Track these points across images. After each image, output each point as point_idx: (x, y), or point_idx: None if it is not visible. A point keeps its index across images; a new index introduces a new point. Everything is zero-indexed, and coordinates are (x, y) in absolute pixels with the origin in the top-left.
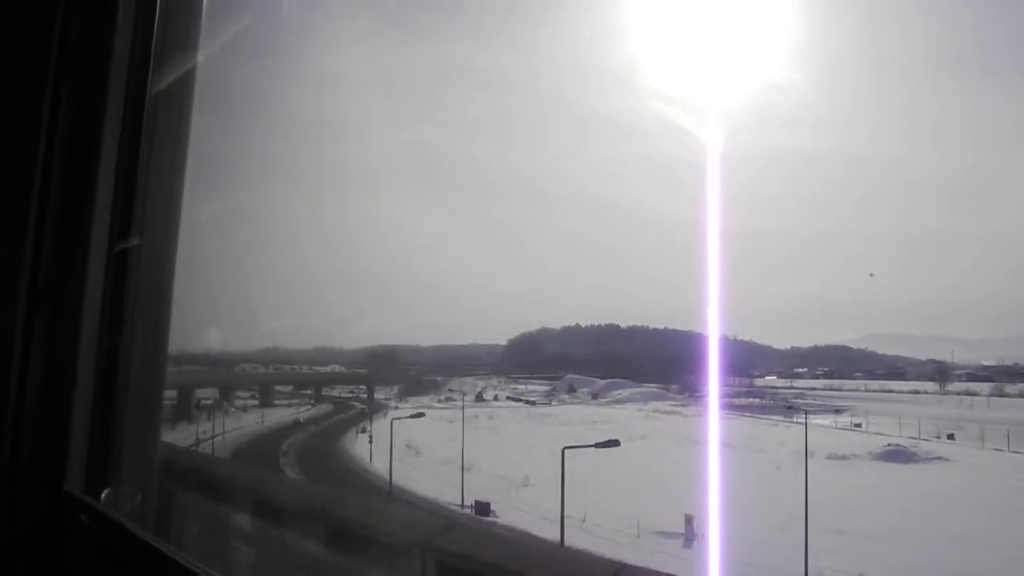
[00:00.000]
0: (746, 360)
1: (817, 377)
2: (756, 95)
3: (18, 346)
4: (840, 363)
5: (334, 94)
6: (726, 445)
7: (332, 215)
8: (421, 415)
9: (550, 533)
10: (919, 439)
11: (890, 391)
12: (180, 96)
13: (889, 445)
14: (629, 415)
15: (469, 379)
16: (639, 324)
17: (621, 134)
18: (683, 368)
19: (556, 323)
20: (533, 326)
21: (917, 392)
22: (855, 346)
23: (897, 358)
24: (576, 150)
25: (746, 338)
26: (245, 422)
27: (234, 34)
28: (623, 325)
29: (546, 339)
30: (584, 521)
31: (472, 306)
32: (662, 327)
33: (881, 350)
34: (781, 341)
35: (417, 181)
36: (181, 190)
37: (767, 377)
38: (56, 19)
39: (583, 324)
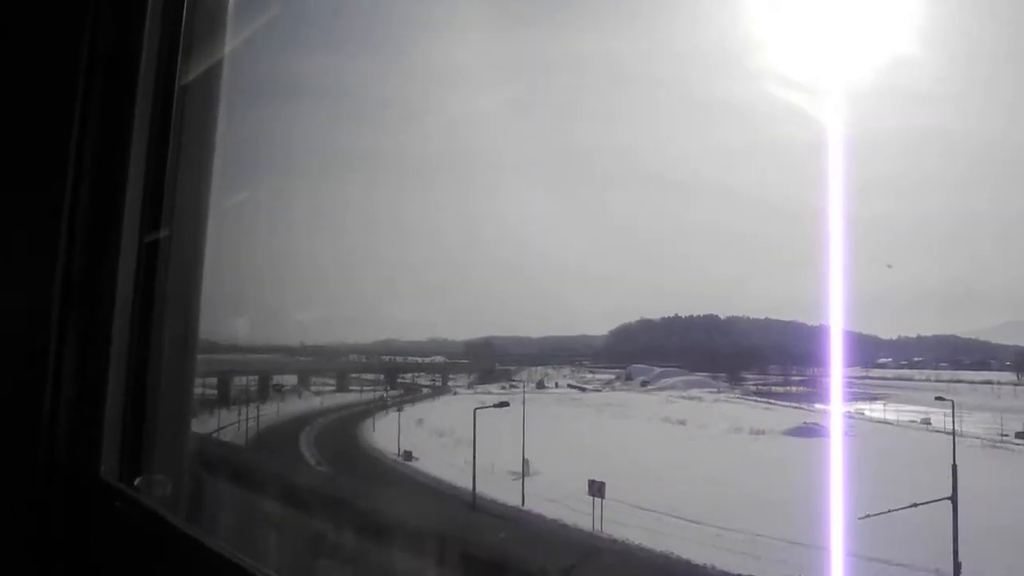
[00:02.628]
0: (842, 350)
1: (914, 367)
2: (882, 73)
3: (54, 339)
4: (948, 353)
5: (438, 83)
6: (679, 422)
7: (445, 209)
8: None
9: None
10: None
11: (960, 380)
12: (208, 87)
13: (805, 423)
14: (652, 400)
15: (545, 368)
16: (739, 315)
17: (738, 118)
18: (758, 358)
19: (657, 313)
20: (632, 317)
21: (991, 383)
22: (981, 337)
23: (1016, 348)
24: (690, 135)
25: (851, 328)
26: (310, 403)
27: (262, 26)
28: (722, 316)
29: (643, 330)
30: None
31: (584, 297)
32: (762, 317)
33: (1008, 341)
34: (892, 331)
35: (529, 172)
36: (210, 181)
37: (854, 367)
38: (87, 15)
39: (683, 315)
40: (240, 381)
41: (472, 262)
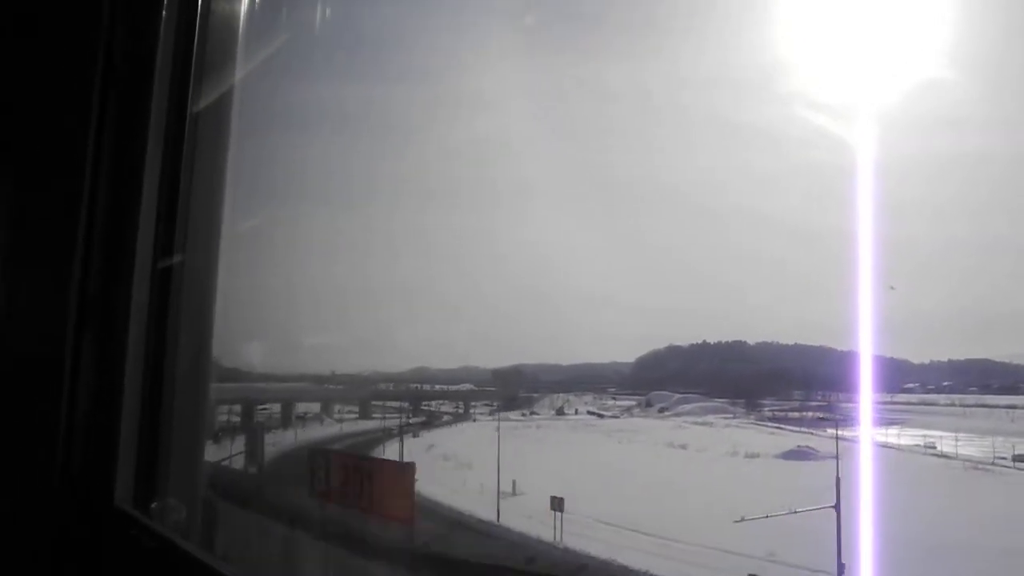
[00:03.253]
0: (870, 374)
1: (941, 392)
2: (910, 96)
3: (68, 363)
4: (979, 377)
5: (467, 110)
6: (680, 447)
7: (474, 236)
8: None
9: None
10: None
11: (985, 405)
12: (220, 112)
13: (799, 447)
14: (664, 425)
15: (566, 395)
16: (768, 340)
17: (768, 142)
18: (783, 384)
19: (686, 340)
20: (661, 343)
21: (1014, 407)
22: (1015, 361)
23: None
24: (720, 160)
25: (882, 352)
26: (328, 430)
27: (283, 51)
28: (751, 342)
29: (671, 357)
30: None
31: (615, 324)
32: (792, 343)
33: None
34: (923, 354)
35: (559, 198)
36: (221, 205)
37: (880, 393)
38: (100, 38)
39: (711, 341)
40: (264, 409)
41: (502, 289)
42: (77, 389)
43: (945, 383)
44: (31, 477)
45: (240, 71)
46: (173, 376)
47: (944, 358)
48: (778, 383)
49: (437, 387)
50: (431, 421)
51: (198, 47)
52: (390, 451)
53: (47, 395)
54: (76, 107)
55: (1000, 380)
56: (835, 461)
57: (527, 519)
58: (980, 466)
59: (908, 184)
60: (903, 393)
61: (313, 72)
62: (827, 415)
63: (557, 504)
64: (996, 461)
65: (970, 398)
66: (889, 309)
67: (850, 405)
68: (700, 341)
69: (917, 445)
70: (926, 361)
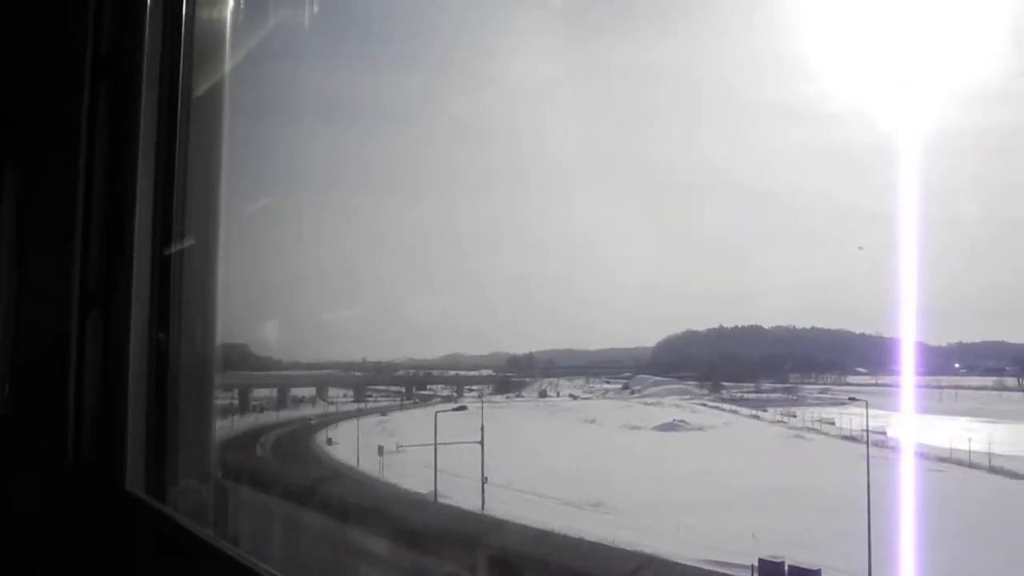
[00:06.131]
0: (875, 357)
1: (942, 374)
2: (949, 70)
3: (74, 350)
4: (993, 359)
5: (499, 94)
6: (591, 422)
7: (503, 221)
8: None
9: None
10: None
11: (961, 387)
12: (213, 96)
13: (674, 420)
14: (615, 405)
15: (556, 380)
16: (784, 324)
17: (804, 121)
18: (778, 368)
19: (704, 324)
20: (679, 328)
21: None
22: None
23: None
24: (750, 140)
25: (897, 335)
26: (314, 410)
27: (262, 38)
28: (767, 326)
29: (686, 342)
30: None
31: (644, 308)
32: (808, 327)
33: None
34: (950, 337)
35: (589, 183)
36: (219, 190)
37: (875, 375)
38: (88, 27)
39: (727, 326)
40: (263, 393)
41: (536, 276)
42: (84, 375)
43: (957, 365)
44: (42, 462)
45: (236, 55)
46: (179, 360)
47: (963, 340)
48: (773, 367)
49: (435, 372)
50: (418, 403)
51: (186, 32)
52: (352, 425)
53: (54, 382)
54: (67, 97)
55: (1016, 363)
56: (700, 432)
57: (374, 463)
58: (802, 435)
59: (944, 163)
60: (894, 375)
61: (333, 58)
62: (785, 396)
63: (379, 450)
64: (816, 427)
65: (964, 380)
66: (916, 291)
67: (820, 387)
68: (717, 326)
69: (824, 422)
70: (943, 344)
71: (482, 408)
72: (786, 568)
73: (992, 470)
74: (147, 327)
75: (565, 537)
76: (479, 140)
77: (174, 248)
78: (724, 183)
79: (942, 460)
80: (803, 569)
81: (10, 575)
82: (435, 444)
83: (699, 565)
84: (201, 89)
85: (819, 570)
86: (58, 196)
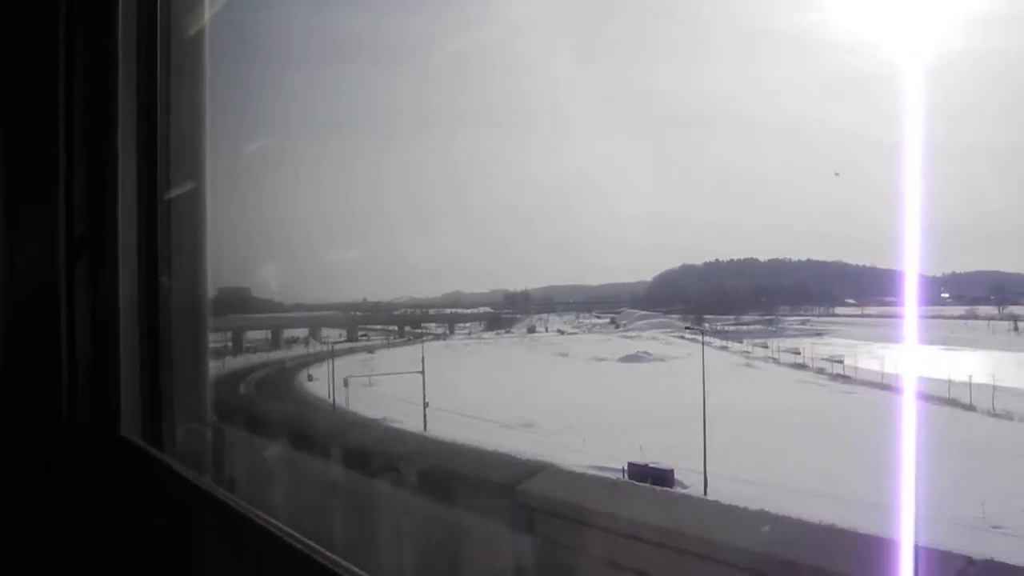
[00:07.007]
0: (867, 288)
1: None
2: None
3: (64, 299)
4: (986, 289)
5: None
6: (564, 355)
7: (504, 159)
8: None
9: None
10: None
11: (938, 316)
12: (193, 39)
13: (638, 352)
14: (594, 339)
15: (548, 316)
16: (780, 257)
17: (803, 52)
18: (769, 300)
19: (701, 258)
20: (675, 263)
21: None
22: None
23: None
24: (755, 69)
25: (894, 266)
26: (306, 349)
27: None
28: (762, 259)
29: (682, 276)
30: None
31: (645, 241)
32: (804, 259)
33: None
34: (943, 267)
35: (590, 118)
36: (203, 136)
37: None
38: None
39: (723, 259)
40: (259, 335)
41: (536, 212)
42: (75, 323)
43: (944, 295)
44: (37, 411)
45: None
46: (170, 305)
47: (961, 270)
48: (759, 300)
49: (432, 311)
50: (410, 340)
51: None
52: (337, 363)
53: (46, 331)
54: (42, 48)
55: (1007, 293)
56: (660, 363)
57: (342, 393)
58: (754, 364)
59: (964, 88)
60: (879, 306)
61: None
62: (765, 328)
63: (344, 382)
64: (777, 357)
65: (948, 310)
66: (920, 220)
67: (796, 319)
68: (713, 259)
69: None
70: (937, 275)
71: (462, 344)
72: (648, 468)
73: (892, 389)
74: (136, 273)
75: (475, 448)
76: (480, 77)
77: (160, 194)
78: (728, 115)
79: (871, 385)
80: (660, 469)
81: (9, 523)
82: (387, 374)
83: (585, 471)
84: (183, 34)
85: (671, 469)
86: (40, 146)
